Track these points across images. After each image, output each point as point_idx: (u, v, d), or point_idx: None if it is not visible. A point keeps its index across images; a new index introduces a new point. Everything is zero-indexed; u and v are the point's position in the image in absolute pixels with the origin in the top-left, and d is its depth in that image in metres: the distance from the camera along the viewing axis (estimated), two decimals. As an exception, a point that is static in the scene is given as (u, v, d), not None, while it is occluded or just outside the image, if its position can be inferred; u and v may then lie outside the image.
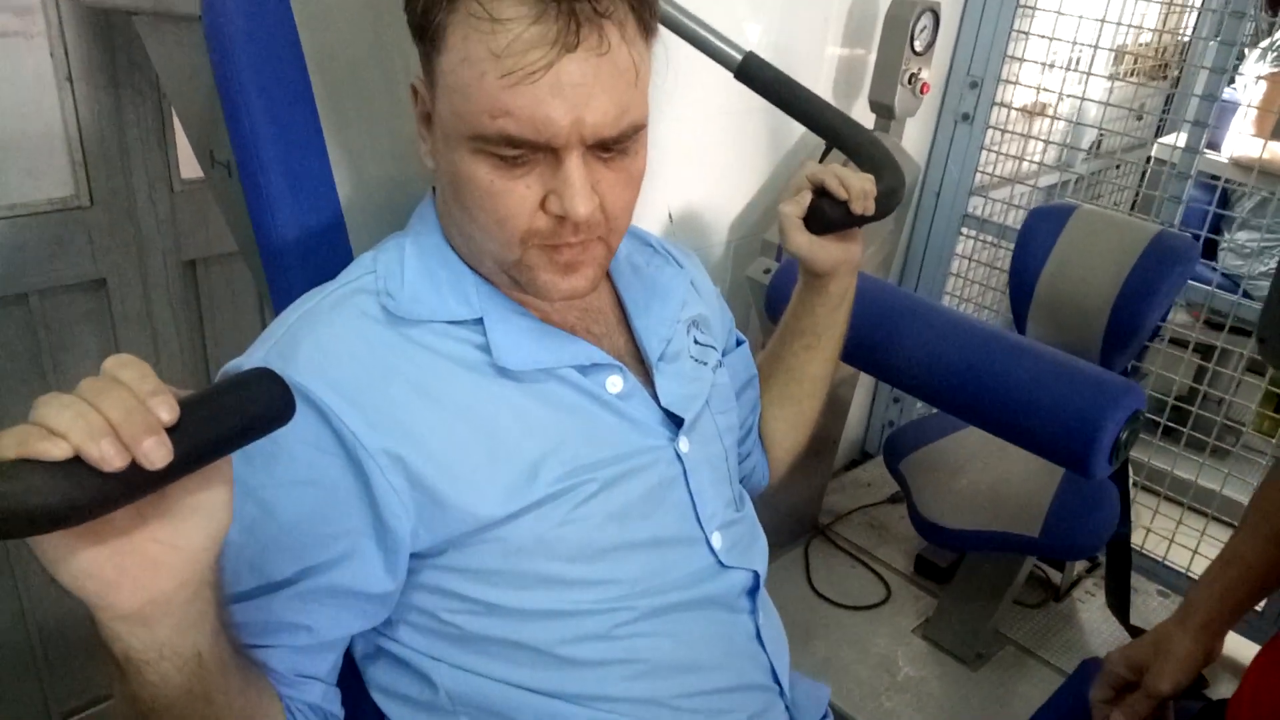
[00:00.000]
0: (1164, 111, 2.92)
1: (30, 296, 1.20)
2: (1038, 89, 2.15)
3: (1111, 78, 2.49)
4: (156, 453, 0.44)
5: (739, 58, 1.10)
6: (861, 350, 1.37)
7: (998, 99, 2.09)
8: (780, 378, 1.04)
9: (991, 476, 1.69)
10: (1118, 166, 2.80)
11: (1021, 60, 2.07)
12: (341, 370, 0.69)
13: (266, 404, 0.51)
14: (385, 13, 0.81)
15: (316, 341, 0.70)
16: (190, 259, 1.33)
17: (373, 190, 0.89)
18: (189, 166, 1.27)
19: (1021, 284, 1.67)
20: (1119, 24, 1.98)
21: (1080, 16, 2.00)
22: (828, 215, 0.91)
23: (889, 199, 0.94)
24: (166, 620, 0.51)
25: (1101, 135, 2.57)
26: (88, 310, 1.26)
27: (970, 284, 2.31)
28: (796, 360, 1.03)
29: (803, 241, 0.93)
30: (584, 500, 0.74)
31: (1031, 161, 2.18)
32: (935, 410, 1.95)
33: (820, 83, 1.83)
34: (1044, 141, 2.19)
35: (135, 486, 0.46)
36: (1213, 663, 0.92)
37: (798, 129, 1.72)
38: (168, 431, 0.45)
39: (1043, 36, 2.03)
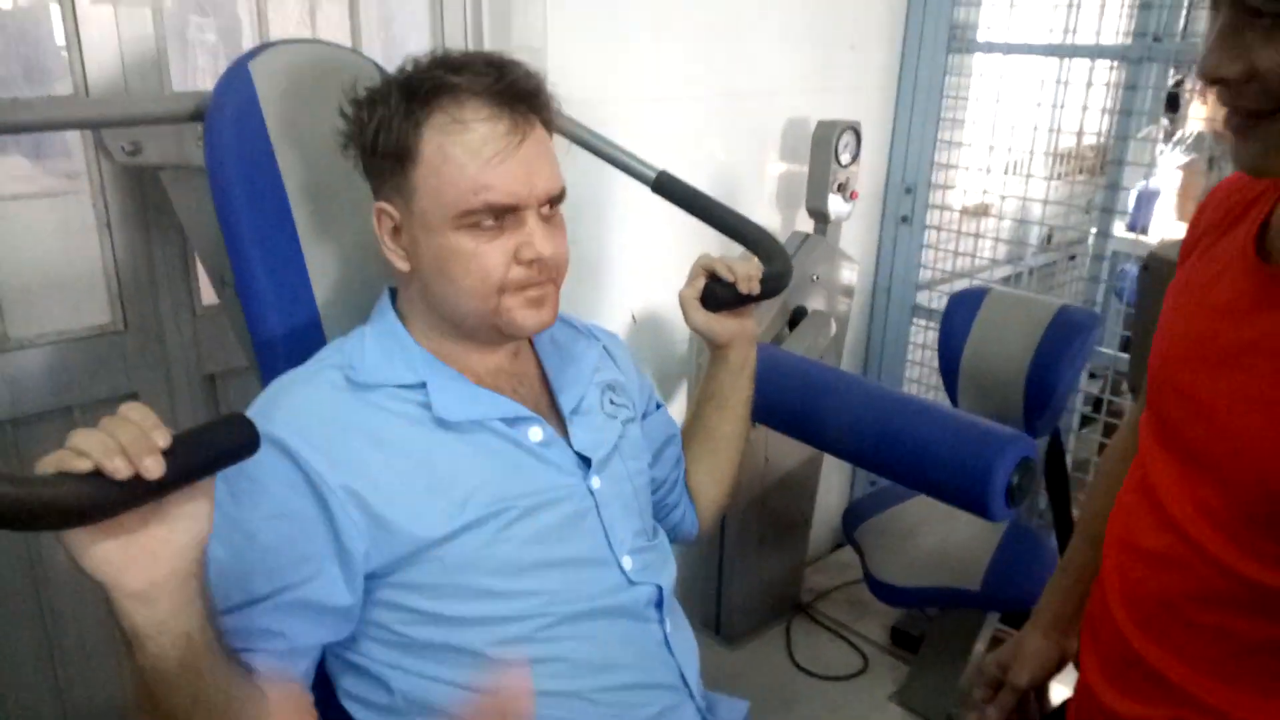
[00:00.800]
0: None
1: (73, 410, 1.42)
2: (982, 191, 2.38)
3: (1050, 177, 2.72)
4: (155, 468, 0.64)
5: (653, 175, 1.33)
6: (790, 418, 1.55)
7: (935, 202, 2.32)
8: (699, 437, 1.23)
9: (937, 537, 1.83)
10: (1071, 258, 3.01)
11: (951, 167, 2.30)
12: (310, 425, 0.89)
13: (238, 438, 0.71)
14: (351, 157, 1.04)
15: (290, 404, 0.91)
16: (210, 373, 1.55)
17: (341, 294, 1.11)
18: (208, 293, 1.50)
19: (948, 362, 1.85)
20: (1035, 129, 2.23)
21: (993, 126, 2.24)
22: (719, 296, 1.12)
23: (776, 281, 1.15)
24: (163, 601, 0.69)
25: (1051, 230, 2.79)
26: (121, 419, 1.47)
27: (930, 370, 2.49)
28: (710, 421, 1.21)
29: (699, 319, 1.13)
30: (507, 524, 0.92)
31: (980, 257, 2.39)
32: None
33: (764, 193, 2.07)
34: (991, 239, 2.40)
35: (139, 494, 0.65)
36: (1068, 660, 1.06)
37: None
38: (164, 454, 0.65)
39: (965, 145, 2.28)
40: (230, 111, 1.01)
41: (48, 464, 0.63)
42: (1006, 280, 2.60)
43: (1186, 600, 0.77)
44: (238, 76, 1.02)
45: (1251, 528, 0.72)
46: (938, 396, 2.50)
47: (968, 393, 1.85)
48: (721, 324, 1.14)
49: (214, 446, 0.70)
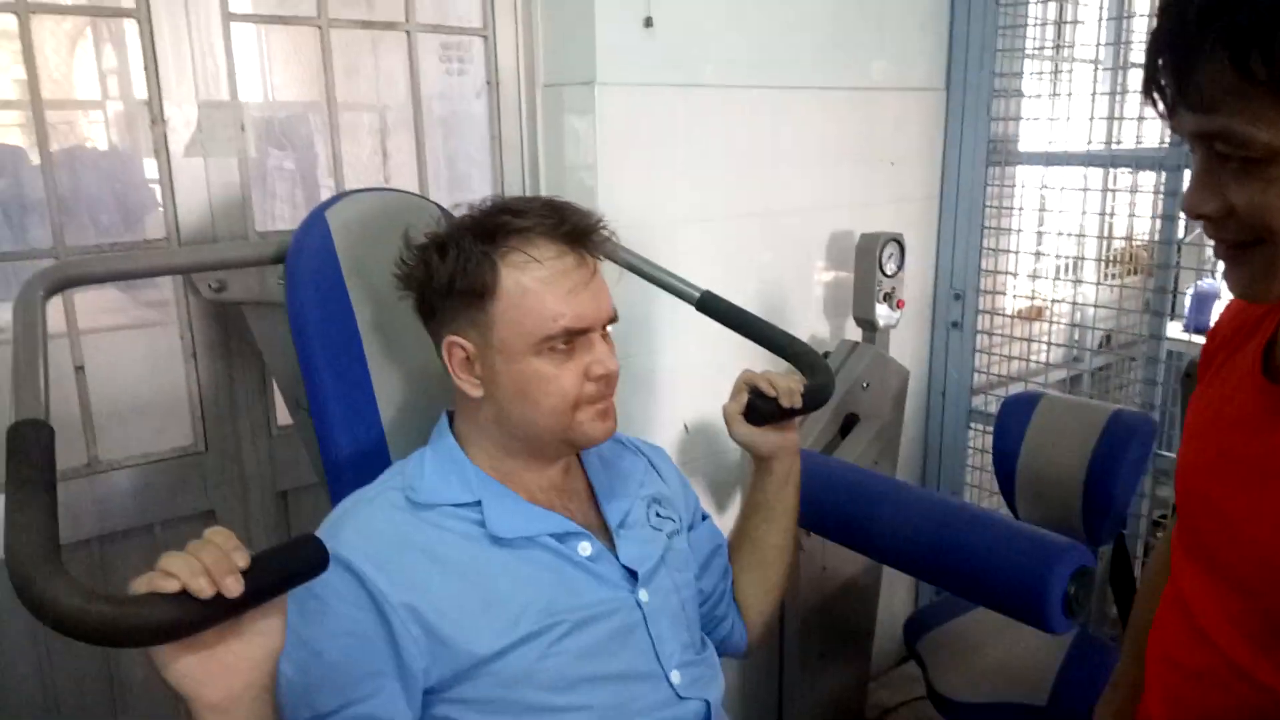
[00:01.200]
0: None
1: (155, 527, 1.50)
2: (1031, 294, 2.40)
3: (1099, 281, 2.73)
4: (235, 587, 0.69)
5: (698, 295, 1.39)
6: (843, 527, 1.56)
7: (985, 306, 2.35)
8: (746, 548, 1.25)
9: (1003, 649, 1.79)
10: (1132, 359, 2.98)
11: (1000, 273, 2.33)
12: (373, 545, 0.94)
13: (310, 558, 0.77)
14: (408, 296, 1.13)
15: (355, 525, 0.97)
16: (283, 490, 1.62)
17: (405, 417, 1.18)
18: (283, 415, 1.59)
19: (1004, 468, 1.84)
20: (1079, 235, 2.26)
21: (1041, 231, 2.28)
22: (761, 410, 1.16)
23: (818, 394, 1.20)
24: (239, 713, 0.74)
25: (1109, 331, 2.78)
26: (199, 535, 1.54)
27: (990, 475, 2.46)
28: (757, 532, 1.24)
29: (743, 432, 1.17)
30: (559, 639, 0.95)
31: (1035, 360, 2.39)
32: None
33: (811, 303, 2.12)
34: (1045, 342, 2.41)
35: (221, 612, 0.71)
36: None
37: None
38: (243, 574, 0.71)
39: (1012, 252, 2.31)
40: (308, 255, 1.10)
41: (140, 585, 0.69)
42: (1064, 383, 2.59)
43: (1227, 716, 0.76)
44: (315, 223, 1.12)
45: (1268, 637, 0.72)
46: (998, 503, 2.47)
47: (1026, 499, 1.84)
48: (765, 437, 1.18)
49: (288, 566, 0.76)
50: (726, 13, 1.77)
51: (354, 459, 1.13)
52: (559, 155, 1.72)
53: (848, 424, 2.01)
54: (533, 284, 0.97)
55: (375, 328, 1.15)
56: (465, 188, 1.80)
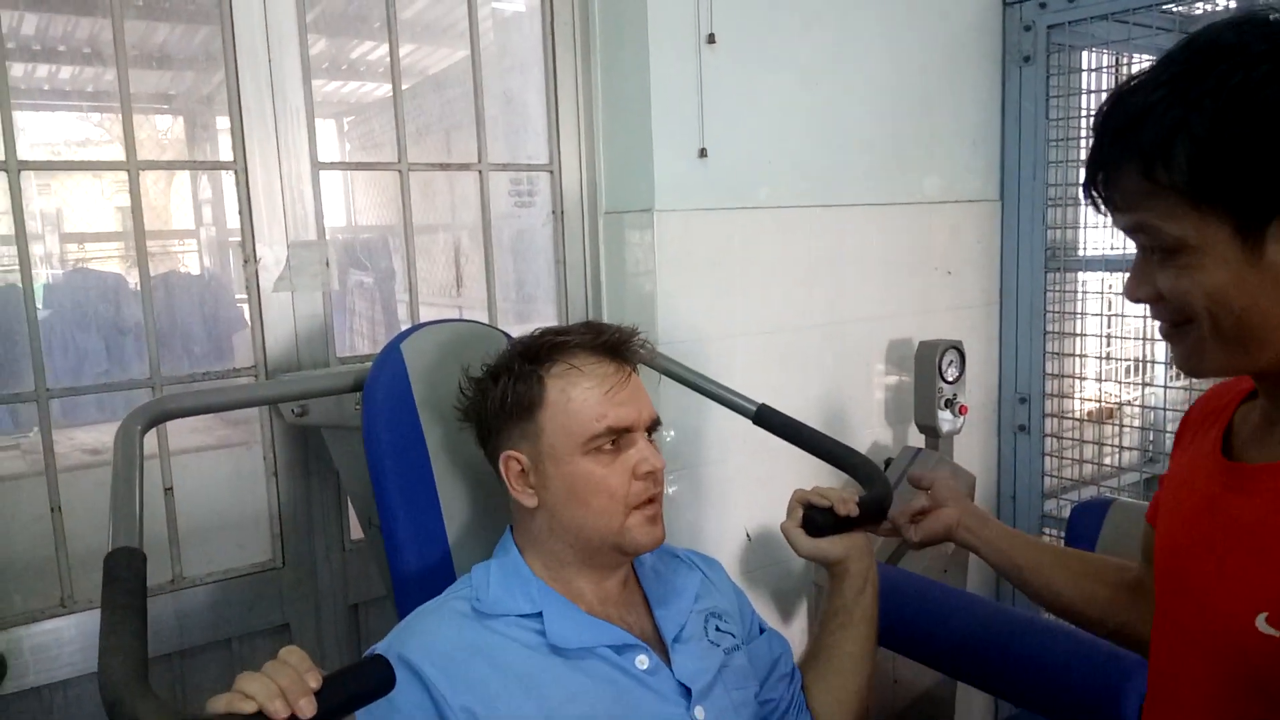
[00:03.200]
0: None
1: (232, 641, 1.55)
2: (1098, 398, 2.37)
3: (1167, 385, 2.67)
4: (308, 709, 0.73)
5: (754, 409, 1.43)
6: (911, 640, 1.54)
7: (1051, 410, 2.33)
8: (823, 657, 1.22)
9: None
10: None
11: (1066, 376, 2.32)
12: (437, 649, 0.98)
13: (377, 679, 0.81)
14: (468, 426, 1.19)
15: (422, 630, 1.01)
16: (354, 603, 1.67)
17: (469, 535, 1.23)
18: (355, 531, 1.65)
19: (1077, 577, 1.80)
20: (1148, 339, 2.24)
21: (1109, 334, 2.27)
22: (817, 522, 1.17)
23: (876, 504, 1.20)
24: None
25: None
26: (272, 651, 1.58)
27: (1065, 583, 2.40)
28: (833, 639, 1.21)
29: (806, 545, 1.18)
30: None
31: (1105, 465, 2.35)
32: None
33: (872, 411, 2.13)
34: (1115, 445, 2.37)
35: None
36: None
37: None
38: (315, 694, 0.75)
39: (1076, 355, 2.30)
40: (383, 386, 1.18)
41: (218, 705, 0.73)
42: (1138, 485, 2.53)
43: None
44: (391, 355, 1.20)
45: (1244, 698, 0.76)
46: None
47: (1100, 610, 1.79)
48: (830, 545, 1.18)
49: (357, 686, 0.80)
50: (778, 139, 1.86)
51: (420, 574, 1.17)
52: (620, 277, 1.80)
53: (914, 533, 1.99)
54: (576, 390, 1.06)
55: (444, 451, 1.21)
56: (532, 307, 1.89)
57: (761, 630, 1.25)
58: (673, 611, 1.12)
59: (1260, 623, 0.73)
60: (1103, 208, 0.77)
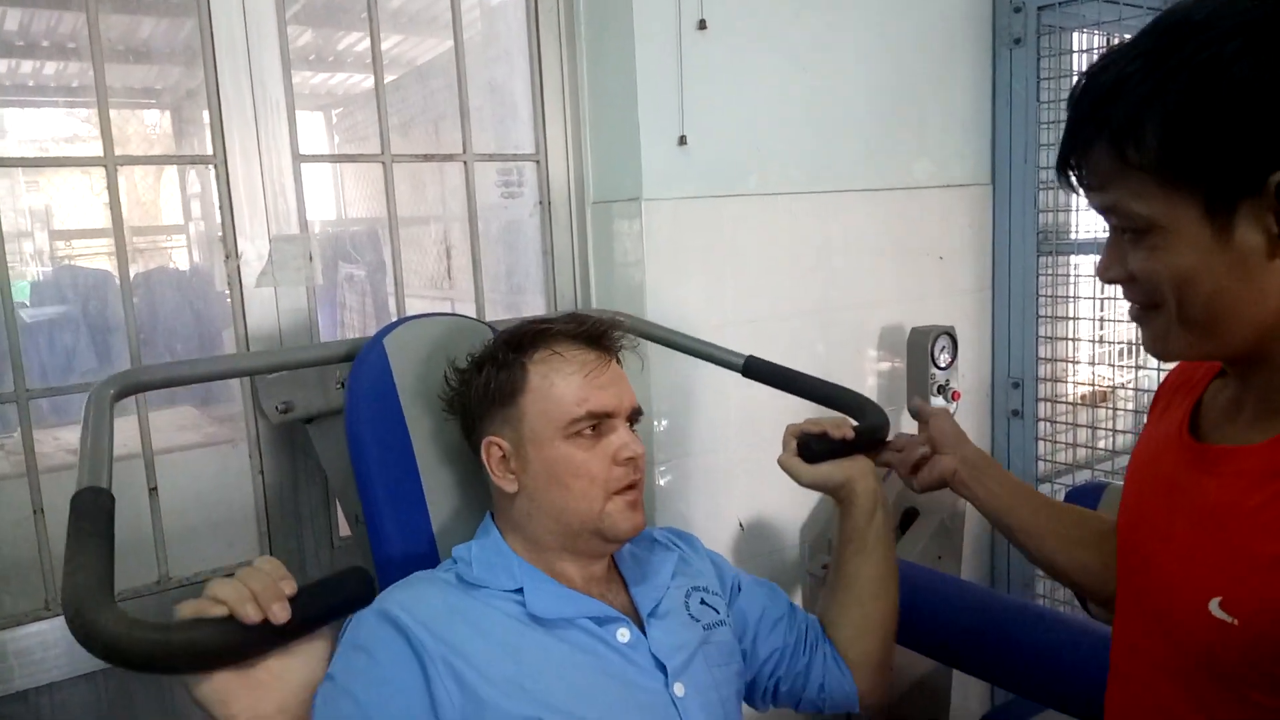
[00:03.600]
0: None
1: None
2: (1091, 380, 2.36)
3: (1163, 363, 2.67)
4: (281, 613, 0.72)
5: (742, 360, 1.42)
6: (905, 628, 1.52)
7: (1045, 394, 2.32)
8: (841, 586, 1.22)
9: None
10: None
11: (1059, 360, 2.31)
12: (420, 607, 0.98)
13: (355, 589, 0.80)
14: (452, 418, 1.20)
15: (408, 591, 1.01)
16: (344, 600, 1.66)
17: (454, 524, 1.22)
18: (344, 528, 1.64)
19: (1072, 563, 1.79)
20: (1132, 322, 2.23)
21: (1102, 317, 2.26)
22: (814, 448, 1.18)
23: (873, 431, 1.21)
24: None
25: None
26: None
27: (1061, 567, 2.39)
28: (850, 567, 1.21)
29: (806, 472, 1.18)
30: None
31: (1099, 449, 2.34)
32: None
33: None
34: (1109, 429, 2.36)
35: (267, 638, 0.72)
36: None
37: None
38: (290, 601, 0.73)
39: (1069, 339, 2.29)
40: (366, 379, 1.16)
41: (186, 610, 0.72)
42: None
43: None
44: (374, 349, 1.18)
45: (1199, 678, 0.77)
46: (1068, 595, 2.38)
47: (1096, 595, 1.78)
48: (832, 469, 1.18)
49: (334, 596, 0.79)
50: (768, 126, 1.84)
51: (405, 565, 1.15)
52: (608, 267, 1.78)
53: (907, 519, 1.98)
54: (558, 375, 1.07)
55: (428, 445, 1.20)
56: (521, 297, 1.87)
57: (740, 589, 1.23)
58: (649, 586, 1.12)
59: (1214, 607, 0.73)
60: (1077, 188, 0.77)
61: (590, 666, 1.00)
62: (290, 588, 0.74)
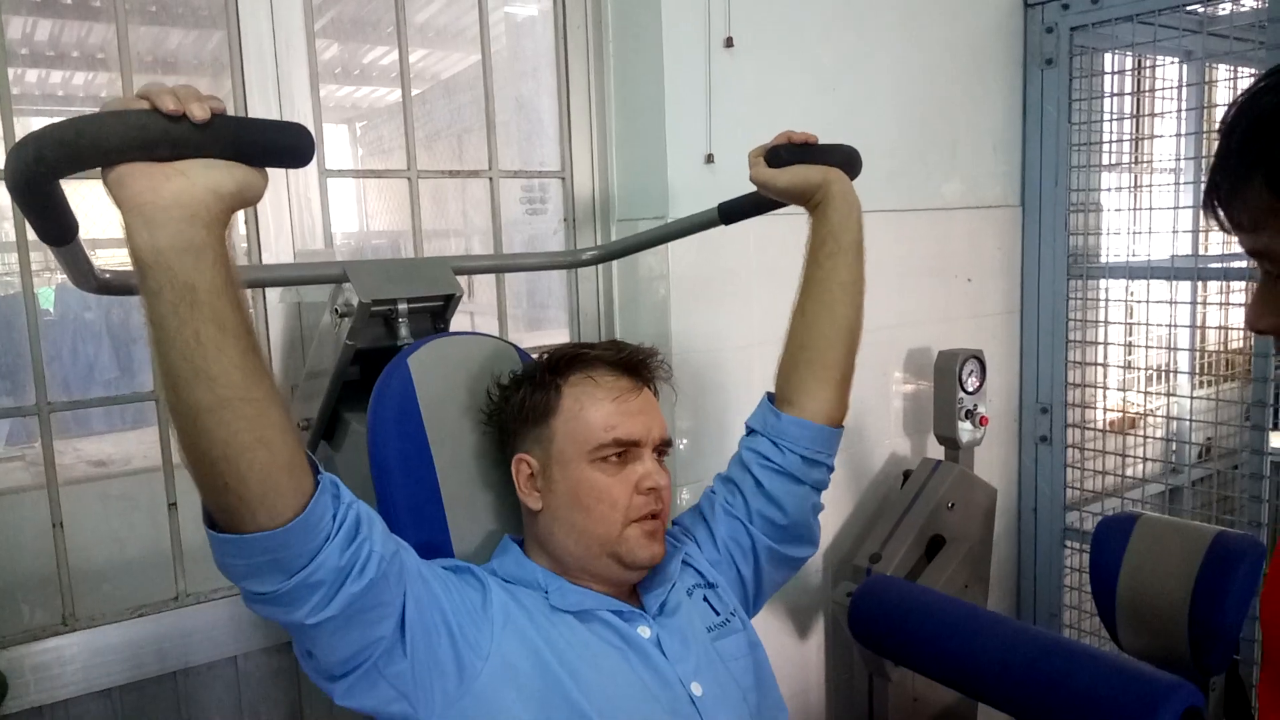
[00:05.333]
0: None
1: (238, 659, 1.52)
2: (1121, 407, 2.33)
3: (1192, 394, 2.62)
4: (199, 112, 0.69)
5: (714, 211, 1.38)
6: (930, 660, 1.50)
7: (1073, 420, 2.28)
8: (814, 290, 1.22)
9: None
10: (1234, 467, 2.83)
11: (1088, 386, 2.27)
12: (458, 573, 1.06)
13: (294, 140, 0.76)
14: (489, 431, 1.20)
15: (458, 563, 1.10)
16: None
17: (477, 550, 1.20)
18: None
19: (1103, 594, 1.75)
20: (1170, 348, 2.19)
21: (1131, 342, 2.22)
22: (781, 154, 1.16)
23: (851, 161, 1.23)
24: (163, 230, 0.69)
25: (1208, 440, 2.66)
26: (278, 668, 1.56)
27: (1090, 596, 2.35)
28: (823, 270, 1.21)
29: (780, 176, 1.18)
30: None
31: (1128, 476, 2.30)
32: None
33: (890, 421, 2.09)
34: (1138, 457, 2.31)
35: (183, 140, 0.69)
36: None
37: (879, 477, 2.00)
38: (216, 116, 0.70)
39: (1098, 364, 2.25)
40: (391, 398, 1.15)
41: (112, 104, 0.69)
42: (1163, 495, 2.48)
43: None
44: (399, 368, 1.16)
45: None
46: (1098, 625, 2.34)
47: (1127, 626, 1.73)
48: (808, 171, 1.18)
49: (265, 131, 0.76)
50: (795, 143, 1.81)
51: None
52: (633, 285, 1.76)
53: (934, 546, 1.95)
54: (589, 400, 1.09)
55: (451, 465, 1.18)
56: (545, 314, 1.85)
57: (713, 520, 1.25)
58: (654, 588, 1.14)
59: None
60: (1225, 226, 0.70)
61: (616, 658, 1.04)
62: (217, 103, 0.71)
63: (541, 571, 1.10)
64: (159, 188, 0.69)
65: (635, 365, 1.14)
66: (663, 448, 1.12)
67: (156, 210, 0.69)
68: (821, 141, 1.21)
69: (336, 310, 1.28)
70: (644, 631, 1.07)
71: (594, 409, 1.09)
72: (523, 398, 1.12)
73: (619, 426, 1.08)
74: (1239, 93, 0.70)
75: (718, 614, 1.16)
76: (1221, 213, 0.70)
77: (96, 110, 0.69)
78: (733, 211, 1.37)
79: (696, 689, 1.05)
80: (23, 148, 0.68)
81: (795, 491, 1.21)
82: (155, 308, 0.70)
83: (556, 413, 1.09)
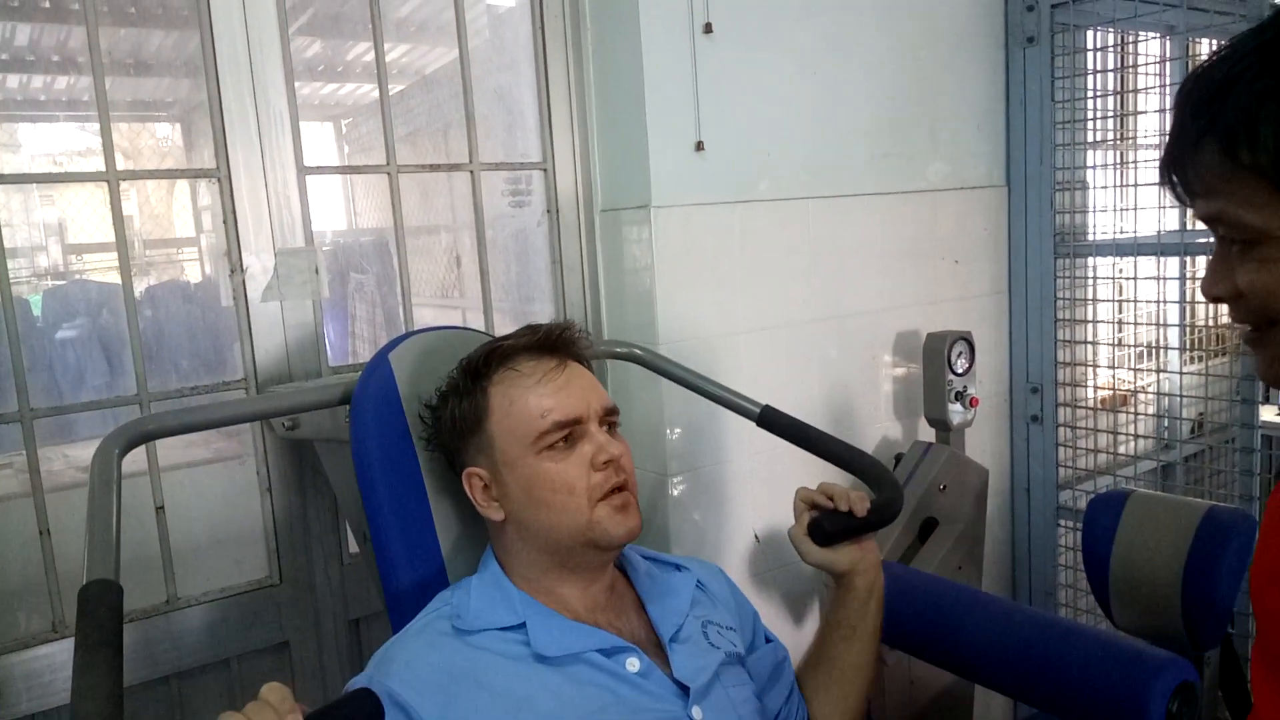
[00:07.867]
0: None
1: (231, 661, 1.52)
2: (1111, 384, 2.32)
3: (1182, 369, 2.62)
4: None
5: (758, 410, 1.38)
6: (925, 642, 1.50)
7: (1064, 399, 2.28)
8: (824, 667, 1.19)
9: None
10: (1228, 442, 2.84)
11: (1078, 364, 2.27)
12: (420, 675, 0.95)
13: (365, 713, 0.77)
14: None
15: (404, 658, 0.98)
16: (355, 618, 1.64)
17: (464, 547, 1.19)
18: (354, 545, 1.61)
19: (1096, 571, 1.75)
20: (1160, 325, 2.19)
21: (1121, 319, 2.22)
22: (826, 529, 1.13)
23: (887, 508, 1.16)
24: None
25: (1200, 416, 2.66)
26: (271, 671, 1.56)
27: (1082, 573, 2.35)
28: (835, 650, 1.18)
29: (814, 553, 1.14)
30: None
31: (1120, 454, 2.30)
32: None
33: (880, 405, 2.09)
34: (1129, 434, 2.31)
35: None
36: None
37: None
38: None
39: (1088, 342, 2.25)
40: (372, 397, 1.14)
41: None
42: (1155, 472, 2.48)
43: None
44: (380, 365, 1.16)
45: None
46: (1092, 604, 2.34)
47: (1121, 603, 1.73)
48: (839, 554, 1.14)
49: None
50: (778, 130, 1.81)
51: (414, 590, 1.13)
52: (618, 275, 1.75)
53: (926, 529, 1.95)
54: (516, 391, 1.05)
55: (437, 462, 1.17)
56: (531, 306, 1.84)
57: (768, 640, 1.22)
58: (668, 611, 1.09)
59: None
60: (1180, 193, 0.70)
61: (602, 703, 0.98)
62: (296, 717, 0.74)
63: (519, 598, 1.04)
64: None
65: (555, 343, 1.09)
66: (609, 417, 1.08)
67: None
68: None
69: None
70: (632, 665, 1.01)
71: (524, 398, 1.04)
72: (452, 411, 1.08)
73: (554, 408, 1.03)
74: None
75: (734, 645, 1.12)
76: (1177, 180, 0.71)
77: None
78: (772, 427, 1.41)
79: (697, 713, 1.01)
80: None
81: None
82: None
83: (488, 415, 1.05)
